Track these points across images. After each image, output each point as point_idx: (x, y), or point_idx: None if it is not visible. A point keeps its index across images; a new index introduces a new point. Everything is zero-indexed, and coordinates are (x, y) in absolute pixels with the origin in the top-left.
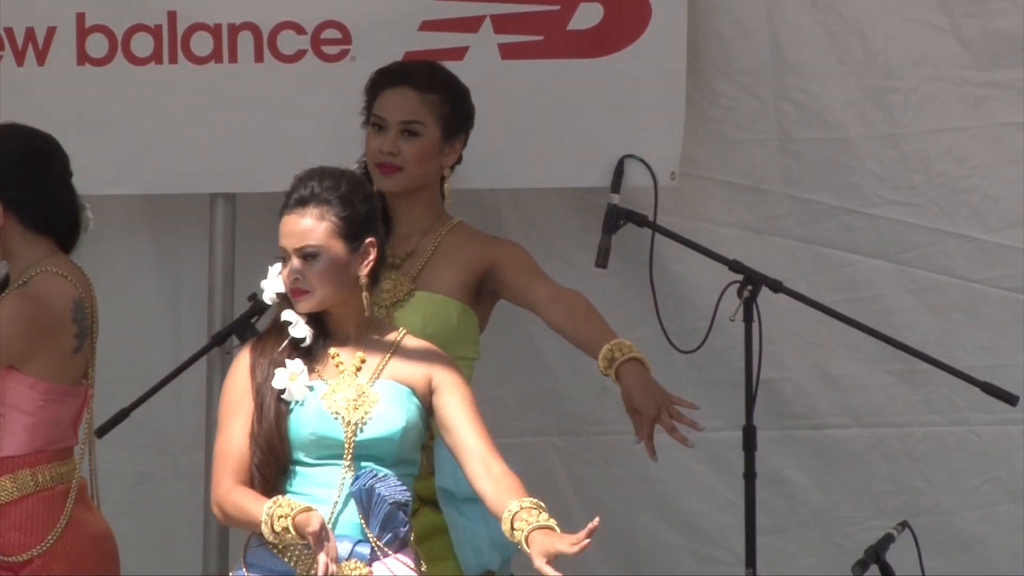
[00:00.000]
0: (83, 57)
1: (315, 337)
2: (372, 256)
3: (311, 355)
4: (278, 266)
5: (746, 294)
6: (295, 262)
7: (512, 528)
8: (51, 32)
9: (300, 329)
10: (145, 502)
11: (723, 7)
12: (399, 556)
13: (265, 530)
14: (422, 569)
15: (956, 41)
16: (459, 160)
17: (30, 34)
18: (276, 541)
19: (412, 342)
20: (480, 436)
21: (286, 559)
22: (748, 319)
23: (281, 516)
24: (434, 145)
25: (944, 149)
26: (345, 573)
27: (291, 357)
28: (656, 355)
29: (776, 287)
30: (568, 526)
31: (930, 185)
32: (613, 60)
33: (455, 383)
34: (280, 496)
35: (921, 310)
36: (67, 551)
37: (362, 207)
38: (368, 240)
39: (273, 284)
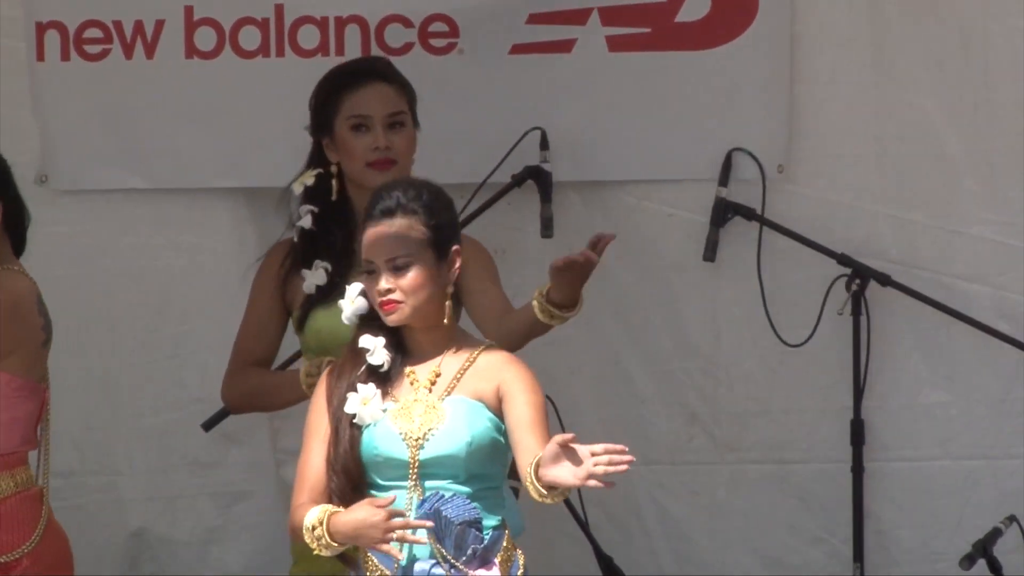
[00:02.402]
0: (191, 50)
1: (392, 358)
2: (458, 264)
3: (388, 377)
4: (357, 286)
5: (854, 287)
6: (386, 275)
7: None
8: (159, 25)
9: (378, 356)
10: (244, 523)
11: (823, 13)
12: (480, 572)
13: (306, 532)
14: (519, 574)
15: None
16: None
17: (139, 27)
18: (314, 546)
19: (489, 354)
20: (537, 438)
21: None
22: (856, 313)
23: (323, 510)
24: (414, 134)
25: None
26: None
27: (366, 381)
28: (744, 385)
29: (884, 280)
30: (653, 557)
31: None
32: (721, 52)
33: (522, 388)
34: (327, 506)
35: (1018, 336)
36: (48, 551)
37: (446, 215)
38: (454, 248)
39: (353, 306)
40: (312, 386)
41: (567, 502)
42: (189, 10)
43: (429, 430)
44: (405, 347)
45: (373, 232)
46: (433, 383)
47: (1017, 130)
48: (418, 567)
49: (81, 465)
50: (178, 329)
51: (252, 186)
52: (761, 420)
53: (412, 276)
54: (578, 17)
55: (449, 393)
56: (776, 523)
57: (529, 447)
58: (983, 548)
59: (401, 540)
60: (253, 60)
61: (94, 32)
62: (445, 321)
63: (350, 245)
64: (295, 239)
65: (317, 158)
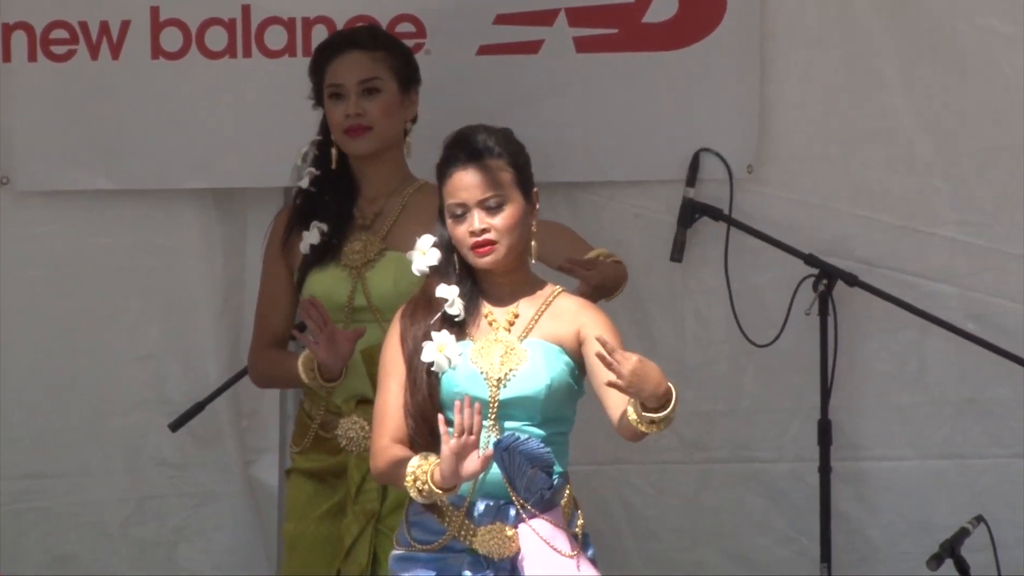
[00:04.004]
0: (157, 51)
1: (469, 299)
2: (538, 205)
3: (464, 319)
4: (428, 238)
5: (821, 288)
6: (479, 215)
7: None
8: (125, 26)
9: (456, 307)
10: (213, 523)
11: (793, 13)
12: (545, 516)
13: (409, 487)
14: (579, 524)
15: None
16: (415, 118)
17: (104, 28)
18: (421, 500)
19: (565, 299)
20: None
21: (440, 520)
22: (823, 313)
23: (424, 472)
24: (395, 99)
25: (1011, 165)
26: (490, 536)
27: (440, 328)
28: (712, 384)
29: (852, 281)
30: (622, 556)
31: (996, 203)
32: (688, 53)
33: (602, 329)
34: (429, 454)
35: (985, 336)
36: None
37: (525, 157)
38: (535, 189)
39: (425, 257)
40: (312, 378)
41: None
42: (155, 11)
43: (511, 370)
44: (481, 288)
45: (462, 175)
46: (512, 323)
47: (986, 131)
48: (486, 505)
49: (50, 466)
50: (147, 330)
51: (220, 187)
52: (729, 419)
53: (506, 215)
54: (545, 18)
55: (527, 335)
56: (745, 522)
57: (614, 393)
58: (951, 548)
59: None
60: (220, 61)
61: (60, 33)
62: (532, 260)
63: (348, 210)
64: (295, 200)
65: (324, 127)
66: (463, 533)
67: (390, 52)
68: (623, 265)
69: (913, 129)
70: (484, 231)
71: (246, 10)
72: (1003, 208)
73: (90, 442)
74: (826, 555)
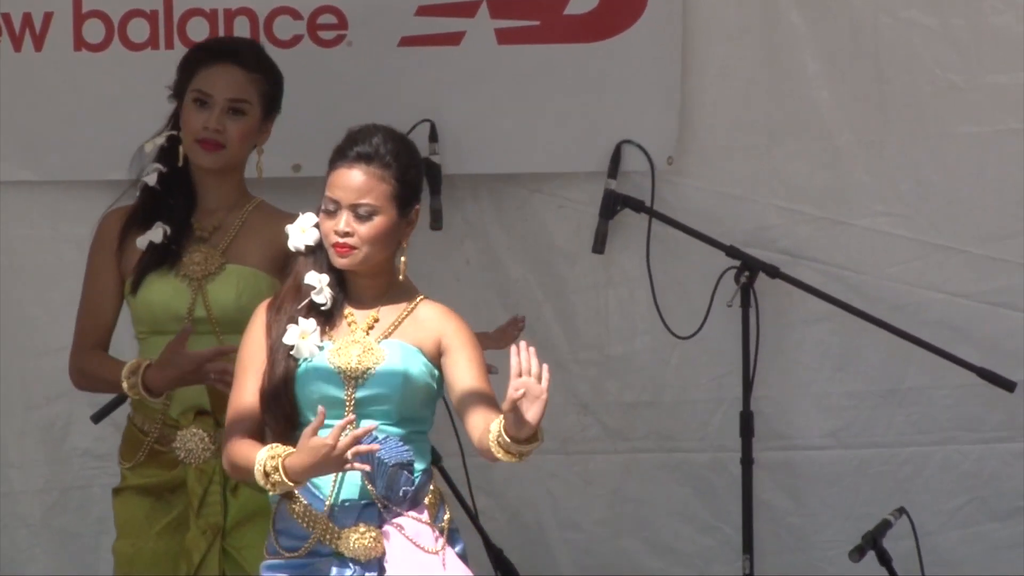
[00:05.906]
0: (80, 43)
1: (334, 298)
2: (415, 224)
3: (327, 316)
4: (310, 216)
5: (743, 280)
6: (347, 217)
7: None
8: (48, 18)
9: (323, 295)
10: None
11: (714, 5)
12: (411, 514)
13: (258, 475)
14: (445, 518)
15: (947, 43)
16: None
17: (27, 19)
18: (268, 488)
19: (428, 306)
20: (484, 395)
21: (304, 525)
22: (745, 305)
23: (272, 456)
24: (255, 124)
25: (933, 156)
26: (354, 537)
27: (306, 316)
28: (635, 375)
29: (773, 272)
30: (545, 546)
31: (917, 194)
32: (610, 45)
33: (463, 343)
34: (277, 444)
35: (908, 326)
36: None
37: (415, 174)
38: (415, 207)
39: (303, 235)
40: (133, 386)
41: (457, 492)
42: (78, 2)
43: (367, 369)
44: (346, 289)
45: (345, 173)
46: (371, 327)
47: (907, 122)
48: (349, 506)
49: None
50: (67, 321)
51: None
52: (652, 410)
53: (373, 225)
54: (467, 9)
55: (386, 337)
56: (668, 512)
57: (482, 408)
58: (873, 540)
59: (356, 454)
60: (142, 52)
61: None
62: (400, 278)
63: (188, 217)
64: (138, 196)
65: (176, 121)
66: (328, 536)
67: (266, 77)
68: None
69: (834, 121)
70: (347, 234)
71: (168, 2)
72: (924, 199)
73: (11, 433)
74: (748, 546)
